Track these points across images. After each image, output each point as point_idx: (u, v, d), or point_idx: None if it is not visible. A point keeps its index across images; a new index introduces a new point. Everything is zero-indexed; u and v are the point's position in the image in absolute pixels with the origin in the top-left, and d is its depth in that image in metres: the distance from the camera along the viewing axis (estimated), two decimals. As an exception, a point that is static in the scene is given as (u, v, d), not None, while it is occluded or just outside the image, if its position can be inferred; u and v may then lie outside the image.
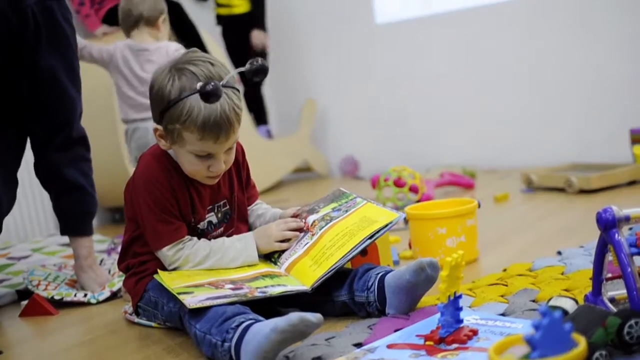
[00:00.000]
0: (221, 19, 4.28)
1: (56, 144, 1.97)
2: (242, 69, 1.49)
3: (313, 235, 1.61)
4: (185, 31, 3.68)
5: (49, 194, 2.06)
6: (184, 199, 1.57)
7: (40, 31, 1.88)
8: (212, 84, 1.38)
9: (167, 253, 1.56)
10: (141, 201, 1.56)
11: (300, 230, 1.65)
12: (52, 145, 1.97)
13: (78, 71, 2.01)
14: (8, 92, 1.92)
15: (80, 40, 2.42)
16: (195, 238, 1.60)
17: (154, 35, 2.65)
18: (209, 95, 1.39)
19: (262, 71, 1.47)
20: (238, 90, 1.54)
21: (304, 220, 1.67)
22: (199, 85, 1.43)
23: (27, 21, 1.85)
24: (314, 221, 1.65)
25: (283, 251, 1.63)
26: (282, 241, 1.64)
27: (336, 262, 1.50)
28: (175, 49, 2.60)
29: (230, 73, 1.51)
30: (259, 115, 4.32)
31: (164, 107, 1.49)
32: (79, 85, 2.01)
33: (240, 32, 4.22)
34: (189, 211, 1.59)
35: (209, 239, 1.62)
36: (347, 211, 1.64)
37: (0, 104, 1.92)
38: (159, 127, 1.53)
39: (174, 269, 1.57)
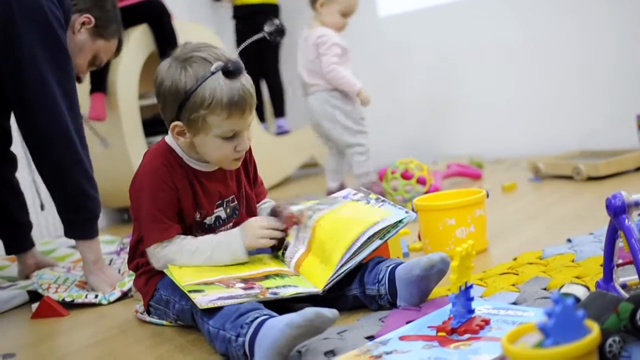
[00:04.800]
0: (237, 10, 4.27)
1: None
2: (261, 33, 1.54)
3: (307, 227, 1.61)
4: None
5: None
6: (187, 194, 1.57)
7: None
8: (233, 61, 1.45)
9: (152, 251, 1.56)
10: (140, 196, 1.56)
11: (276, 215, 1.62)
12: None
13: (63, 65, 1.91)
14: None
15: None
16: (182, 235, 1.58)
17: (319, 19, 2.85)
18: (234, 73, 1.45)
19: (281, 31, 1.49)
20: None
21: (284, 210, 1.63)
22: (215, 66, 1.45)
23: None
24: (302, 211, 1.64)
25: (287, 248, 1.63)
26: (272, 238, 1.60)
27: (346, 264, 1.50)
28: (318, 35, 2.78)
29: (239, 48, 1.57)
30: (259, 112, 4.29)
31: (182, 99, 1.49)
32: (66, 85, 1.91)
33: (251, 21, 4.15)
34: (191, 207, 1.58)
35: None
36: (332, 204, 1.66)
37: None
38: (178, 123, 1.52)
39: (162, 266, 1.55)
